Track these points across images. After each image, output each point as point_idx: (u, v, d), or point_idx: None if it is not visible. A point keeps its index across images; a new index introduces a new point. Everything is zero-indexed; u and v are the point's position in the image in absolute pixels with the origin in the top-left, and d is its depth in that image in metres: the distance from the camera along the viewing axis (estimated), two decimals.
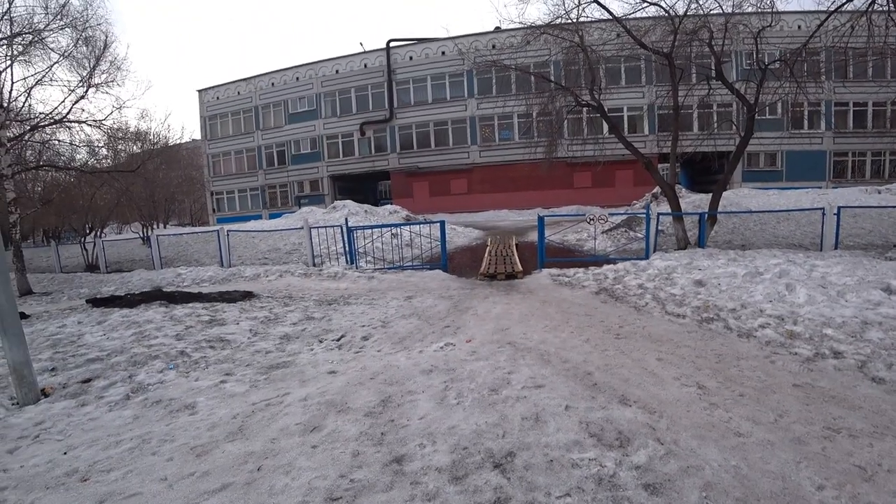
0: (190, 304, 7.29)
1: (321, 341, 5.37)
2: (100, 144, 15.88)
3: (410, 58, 31.19)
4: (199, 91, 37.35)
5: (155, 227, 24.98)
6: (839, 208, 9.50)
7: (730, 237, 11.72)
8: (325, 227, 12.00)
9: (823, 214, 9.43)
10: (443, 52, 30.17)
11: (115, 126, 14.99)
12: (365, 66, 32.04)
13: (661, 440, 2.65)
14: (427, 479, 2.39)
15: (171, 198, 30.71)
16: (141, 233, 22.67)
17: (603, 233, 12.82)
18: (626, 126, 27.93)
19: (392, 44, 31.31)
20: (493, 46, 26.29)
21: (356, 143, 32.69)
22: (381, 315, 6.38)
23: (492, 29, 23.36)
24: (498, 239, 14.43)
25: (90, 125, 13.37)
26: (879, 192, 16.24)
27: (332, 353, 4.85)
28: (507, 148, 29.27)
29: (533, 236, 13.24)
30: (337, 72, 32.77)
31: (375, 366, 4.23)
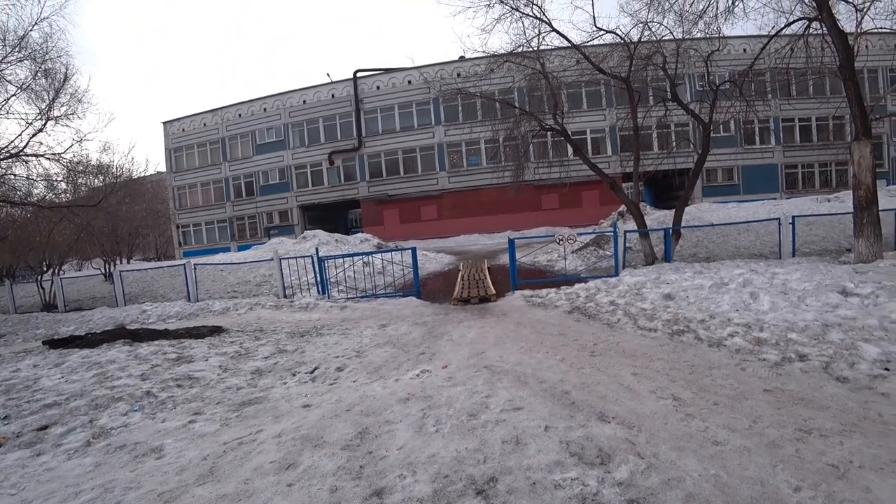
0: (156, 342, 7.03)
1: (294, 374, 5.22)
2: (58, 178, 15.37)
3: (377, 87, 31.58)
4: (164, 123, 36.79)
5: (118, 262, 24.12)
6: (794, 218, 9.94)
7: (694, 250, 12.08)
8: (296, 257, 11.83)
9: (780, 224, 9.85)
10: (409, 81, 30.68)
11: (76, 159, 14.59)
12: (332, 95, 32.26)
13: (642, 454, 2.65)
14: None
15: (134, 232, 29.84)
16: (103, 269, 21.85)
17: (573, 252, 13.03)
18: (589, 148, 28.80)
19: (359, 74, 31.70)
20: (459, 75, 26.97)
21: (325, 173, 32.61)
22: (355, 345, 6.26)
23: (456, 58, 23.98)
24: (470, 263, 14.49)
25: (48, 158, 12.96)
26: (829, 201, 17.10)
27: (306, 387, 4.72)
28: (475, 173, 29.74)
29: (504, 259, 13.37)
30: (304, 102, 32.86)
31: (351, 397, 4.12)
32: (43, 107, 12.47)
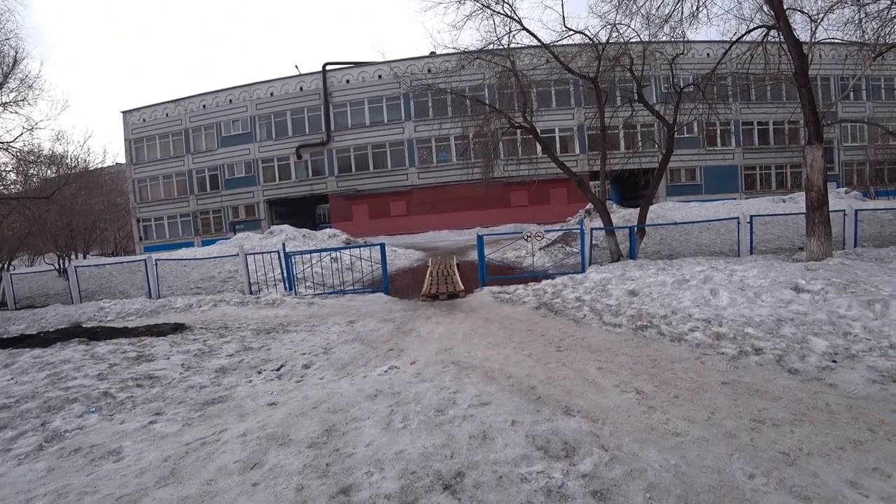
0: (114, 340, 6.76)
1: (260, 372, 5.12)
2: (7, 168, 14.58)
3: (347, 81, 31.17)
4: (124, 112, 35.31)
5: (73, 257, 23.04)
6: (752, 217, 10.34)
7: (658, 248, 12.41)
8: (262, 252, 11.56)
9: (738, 223, 10.22)
10: (379, 76, 30.40)
11: (26, 148, 13.85)
12: (301, 88, 31.65)
13: (606, 447, 2.72)
14: None
15: (91, 226, 28.57)
16: (56, 264, 20.83)
17: (541, 249, 13.20)
18: (558, 146, 29.21)
19: (328, 67, 31.18)
20: (429, 70, 26.85)
21: (293, 167, 32.00)
22: (322, 341, 6.18)
23: (427, 54, 23.89)
24: (439, 259, 14.49)
25: None
26: (784, 201, 17.86)
27: (272, 384, 4.64)
28: (445, 169, 29.74)
29: (473, 255, 13.42)
30: (272, 94, 32.13)
31: (318, 394, 4.08)
32: None
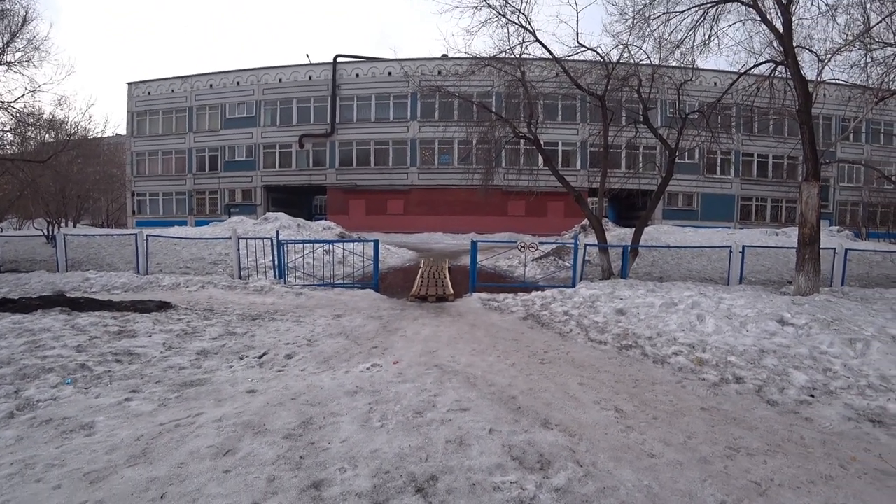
0: (97, 313, 6.68)
1: (242, 358, 5.08)
2: (5, 128, 14.43)
3: (357, 75, 31.15)
4: (130, 84, 35.02)
5: (63, 225, 22.79)
6: (744, 247, 10.44)
7: (650, 269, 12.49)
8: (255, 238, 11.49)
9: (730, 252, 10.31)
10: (389, 73, 30.40)
11: (26, 110, 13.72)
12: (310, 77, 31.58)
13: (581, 462, 2.72)
14: None
15: (85, 195, 28.27)
16: (45, 231, 20.60)
17: (533, 260, 13.24)
18: (560, 160, 29.34)
19: (339, 59, 31.15)
20: (440, 73, 26.85)
21: (294, 155, 31.87)
22: (307, 333, 6.15)
23: (439, 56, 23.91)
24: (431, 261, 14.48)
25: None
26: (777, 234, 18.06)
27: (252, 372, 4.60)
28: (445, 172, 29.74)
29: (466, 260, 13.44)
30: (280, 81, 32.03)
31: (298, 386, 4.06)
32: None
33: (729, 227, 26.77)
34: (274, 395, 3.82)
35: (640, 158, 23.72)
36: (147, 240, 11.92)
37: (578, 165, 29.51)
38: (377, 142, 30.92)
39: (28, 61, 12.41)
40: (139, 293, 9.25)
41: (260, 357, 5.16)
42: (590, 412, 3.49)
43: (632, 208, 30.78)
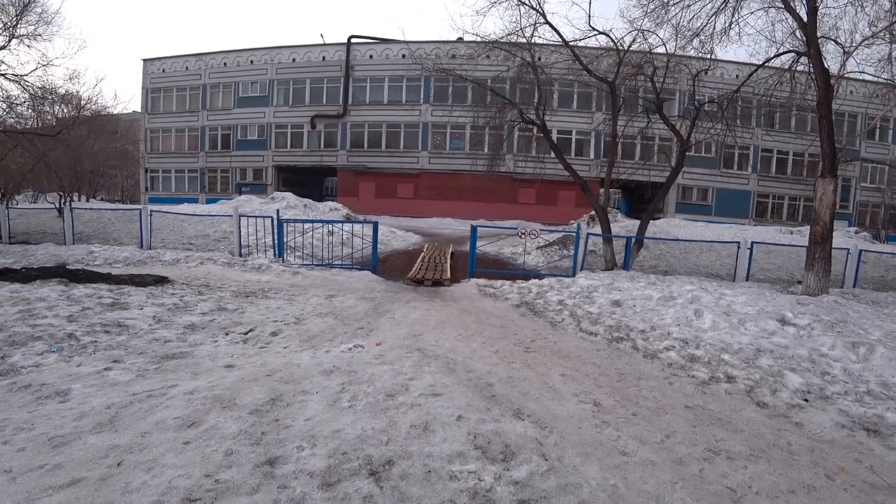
0: (94, 285, 6.71)
1: (227, 334, 5.08)
2: (18, 102, 14.49)
3: (370, 56, 30.83)
4: (145, 60, 35.11)
5: (75, 199, 23.06)
6: (752, 243, 10.15)
7: (656, 262, 12.23)
8: (257, 216, 11.45)
9: (738, 248, 10.03)
10: (403, 56, 29.96)
11: (39, 84, 13.75)
12: (323, 58, 31.33)
13: (547, 456, 2.60)
14: (296, 484, 2.27)
15: (98, 170, 28.52)
16: (57, 204, 20.83)
17: (538, 248, 13.04)
18: (573, 148, 28.91)
19: (353, 40, 30.83)
20: (454, 56, 26.46)
21: (305, 136, 31.77)
22: (297, 311, 6.12)
23: (455, 39, 23.51)
24: (435, 246, 14.37)
25: (9, 79, 12.18)
26: (791, 233, 17.58)
27: (235, 347, 4.61)
28: (456, 157, 29.39)
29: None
30: (294, 60, 31.83)
31: (276, 362, 4.04)
32: (7, 22, 11.68)
33: (743, 224, 26.20)
34: (250, 371, 3.80)
35: (656, 150, 23.20)
36: (151, 215, 11.96)
37: (592, 155, 29.04)
38: (389, 124, 30.65)
39: (39, 35, 12.39)
40: (139, 267, 9.30)
41: (245, 333, 5.17)
42: (566, 404, 3.35)
43: (644, 200, 30.26)
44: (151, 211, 12.24)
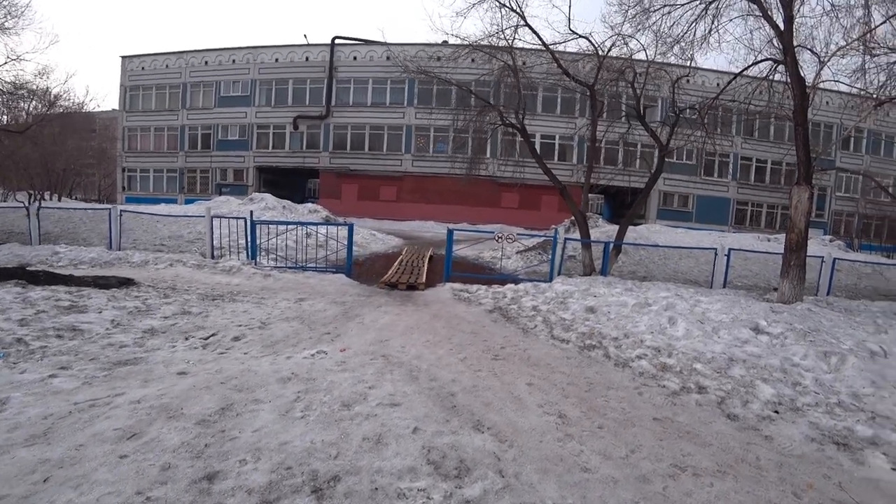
0: (53, 287, 6.45)
1: (188, 338, 4.86)
2: None
3: (354, 58, 30.59)
4: (124, 57, 34.31)
5: (45, 198, 22.37)
6: (730, 250, 10.18)
7: (635, 268, 12.22)
8: (230, 217, 11.15)
9: (716, 255, 10.05)
10: (387, 58, 29.67)
11: (9, 80, 13.28)
12: (307, 58, 31.00)
13: (503, 472, 2.46)
14: (232, 502, 2.13)
15: (73, 169, 27.74)
16: (26, 202, 20.18)
17: (517, 253, 12.95)
18: (556, 153, 28.98)
19: (337, 41, 30.57)
20: (438, 59, 26.34)
21: (288, 137, 31.33)
22: (263, 315, 5.91)
23: (439, 42, 23.45)
24: (415, 249, 14.20)
25: None
26: (769, 240, 17.77)
27: (193, 353, 4.40)
28: (440, 160, 29.16)
29: (454, 250, 13.12)
30: (277, 60, 31.44)
31: (233, 369, 3.86)
32: None
33: (723, 231, 26.50)
34: (204, 378, 3.63)
35: (638, 155, 23.36)
36: (121, 215, 11.61)
37: (575, 160, 29.13)
38: (372, 126, 30.40)
39: (8, 29, 11.97)
40: (106, 269, 9.00)
41: (206, 338, 4.96)
42: (530, 416, 3.21)
43: (626, 206, 30.49)
44: (122, 211, 11.88)
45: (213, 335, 5.02)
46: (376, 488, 2.24)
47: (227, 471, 2.36)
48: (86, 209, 16.68)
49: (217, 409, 3.06)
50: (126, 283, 7.40)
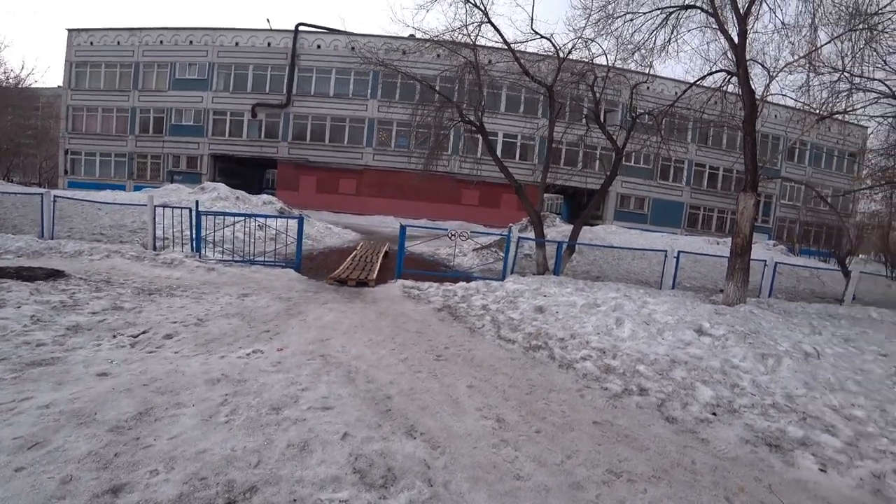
0: None
1: (115, 336, 4.52)
2: None
3: (318, 46, 29.84)
4: (70, 31, 32.18)
5: None
6: (679, 252, 10.45)
7: (588, 268, 12.40)
8: (175, 207, 10.61)
9: (665, 256, 10.30)
10: (352, 48, 29.15)
11: None
12: (268, 44, 30.01)
13: (432, 481, 2.36)
14: None
15: (7, 149, 25.88)
16: None
17: (474, 250, 12.92)
18: (517, 152, 29.20)
19: (301, 28, 29.72)
20: (404, 52, 26.03)
21: (246, 125, 30.27)
22: (201, 311, 5.59)
23: (406, 36, 23.09)
24: (371, 244, 13.95)
25: None
26: (718, 244, 18.41)
27: (118, 352, 4.08)
28: (401, 155, 28.75)
29: (410, 246, 12.97)
30: (237, 44, 30.28)
31: (159, 370, 3.61)
32: None
33: (676, 234, 27.42)
34: (125, 380, 3.38)
35: (598, 157, 23.85)
36: (55, 201, 10.86)
37: (536, 160, 29.45)
38: (334, 118, 29.75)
39: None
40: (34, 259, 8.35)
41: (136, 336, 4.63)
42: (467, 420, 3.12)
43: (584, 206, 31.11)
44: (56, 196, 11.11)
45: (143, 332, 4.70)
46: (295, 500, 2.11)
47: (135, 483, 2.19)
48: (16, 193, 15.53)
49: (134, 413, 2.86)
50: (56, 274, 6.88)
